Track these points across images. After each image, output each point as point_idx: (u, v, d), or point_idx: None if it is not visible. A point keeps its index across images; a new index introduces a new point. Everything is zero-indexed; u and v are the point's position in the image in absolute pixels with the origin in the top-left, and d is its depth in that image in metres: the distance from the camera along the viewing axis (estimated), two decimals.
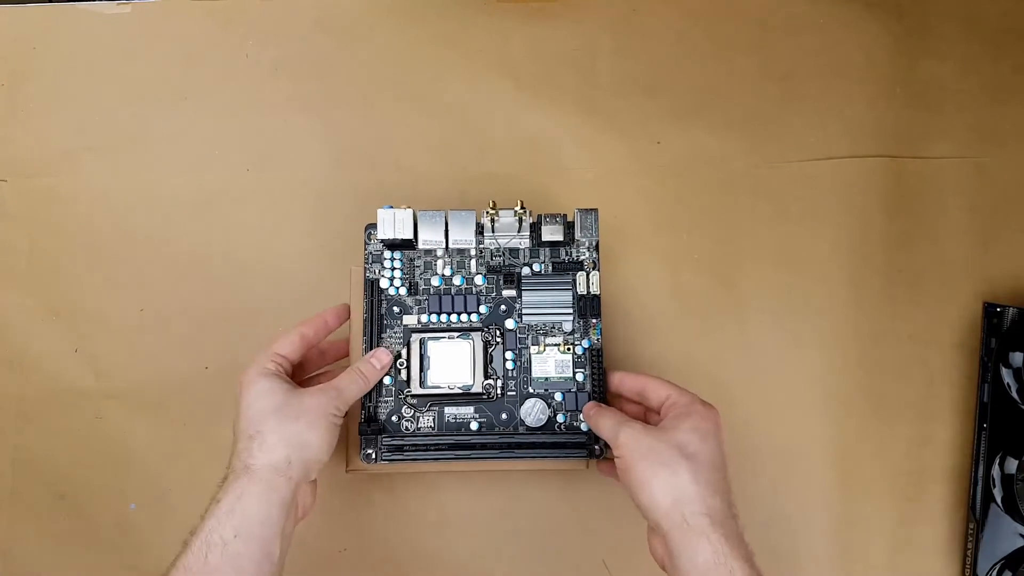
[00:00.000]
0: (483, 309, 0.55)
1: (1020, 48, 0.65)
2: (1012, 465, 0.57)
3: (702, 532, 0.43)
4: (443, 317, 0.55)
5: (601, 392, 0.54)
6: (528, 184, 0.63)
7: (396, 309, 0.55)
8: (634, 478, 0.46)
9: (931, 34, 0.65)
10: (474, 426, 0.54)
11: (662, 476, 0.45)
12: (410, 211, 0.54)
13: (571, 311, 0.55)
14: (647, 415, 0.53)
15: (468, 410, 0.54)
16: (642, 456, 0.46)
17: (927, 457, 0.61)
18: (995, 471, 0.58)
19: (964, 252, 0.63)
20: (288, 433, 0.47)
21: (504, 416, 0.54)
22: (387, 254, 0.56)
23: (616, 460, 0.48)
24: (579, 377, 0.54)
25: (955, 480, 0.60)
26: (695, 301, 0.62)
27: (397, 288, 0.56)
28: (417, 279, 0.56)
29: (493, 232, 0.56)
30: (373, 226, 0.56)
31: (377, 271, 0.56)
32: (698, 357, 0.61)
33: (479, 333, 0.55)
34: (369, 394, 0.54)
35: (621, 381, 0.53)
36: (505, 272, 0.56)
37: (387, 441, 0.53)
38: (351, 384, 0.51)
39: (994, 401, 0.59)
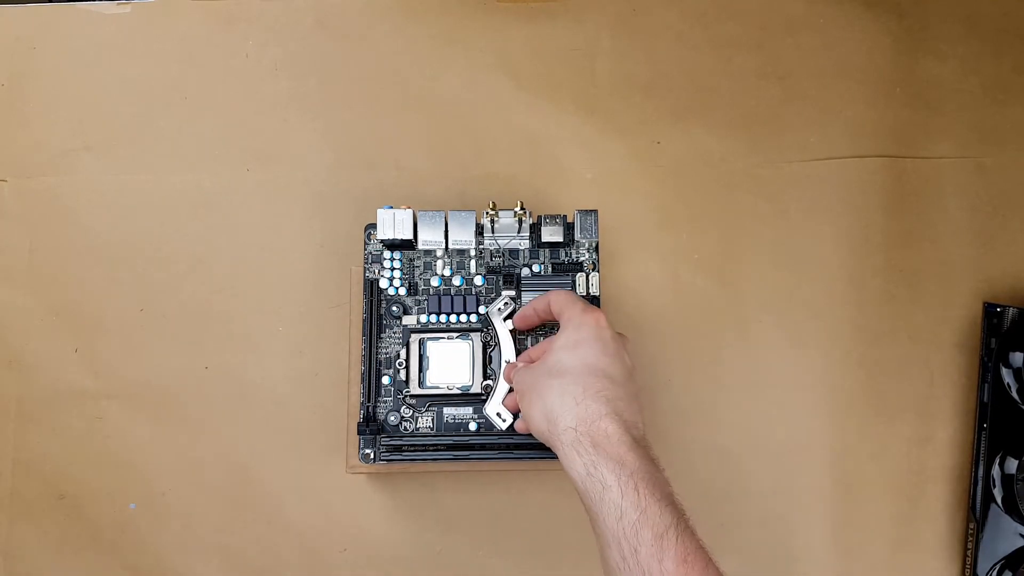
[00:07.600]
0: (482, 310, 0.55)
1: (1020, 48, 0.65)
2: (1012, 465, 0.57)
3: (572, 445, 0.43)
4: (442, 317, 0.55)
5: None
6: (528, 184, 0.63)
7: (396, 309, 0.55)
8: (525, 417, 0.47)
9: (931, 34, 0.65)
10: (473, 427, 0.54)
11: (537, 405, 0.45)
12: (410, 211, 0.54)
13: None
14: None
15: (467, 411, 0.54)
16: (523, 394, 0.47)
17: (927, 457, 0.61)
18: (995, 471, 0.58)
19: (964, 252, 0.63)
20: None
21: None
22: (387, 254, 0.56)
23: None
24: None
25: (955, 480, 0.60)
26: (695, 301, 0.62)
27: (397, 288, 0.56)
28: (417, 279, 0.56)
29: (493, 233, 0.56)
30: (373, 226, 0.56)
31: (377, 271, 0.56)
32: (698, 357, 0.61)
33: (478, 334, 0.55)
34: (368, 394, 0.54)
35: (524, 315, 0.53)
36: (505, 273, 0.56)
37: (386, 441, 0.53)
38: None
39: (994, 401, 0.59)
